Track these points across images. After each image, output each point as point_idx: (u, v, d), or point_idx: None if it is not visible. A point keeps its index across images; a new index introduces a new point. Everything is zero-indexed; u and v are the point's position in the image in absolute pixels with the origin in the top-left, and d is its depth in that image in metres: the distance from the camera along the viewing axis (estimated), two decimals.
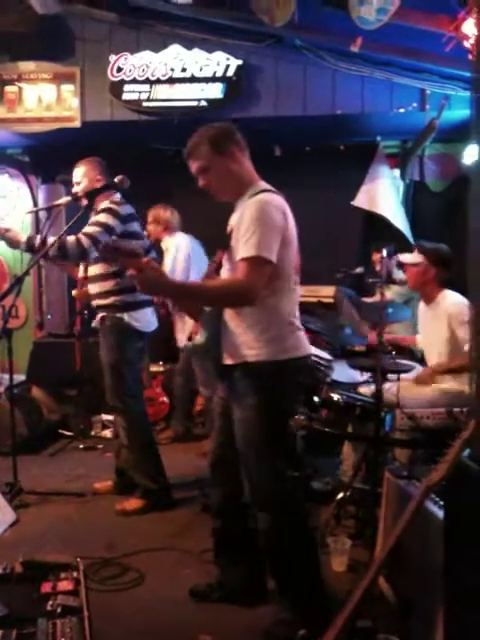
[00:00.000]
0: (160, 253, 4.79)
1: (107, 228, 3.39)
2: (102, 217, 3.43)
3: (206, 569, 2.83)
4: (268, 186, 2.39)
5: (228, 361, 2.33)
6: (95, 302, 3.63)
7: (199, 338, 2.38)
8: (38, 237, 3.35)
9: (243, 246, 2.19)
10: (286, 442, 2.36)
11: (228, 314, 2.34)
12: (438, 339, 3.40)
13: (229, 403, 2.41)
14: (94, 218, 3.46)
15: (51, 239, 3.19)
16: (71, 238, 3.31)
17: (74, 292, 3.82)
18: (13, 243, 3.33)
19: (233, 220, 2.39)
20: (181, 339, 4.81)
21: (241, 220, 2.24)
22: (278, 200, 2.30)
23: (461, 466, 1.76)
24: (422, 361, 3.77)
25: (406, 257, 3.63)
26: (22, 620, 1.83)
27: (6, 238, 3.33)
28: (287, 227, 2.29)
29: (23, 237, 3.33)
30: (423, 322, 3.63)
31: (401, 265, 3.81)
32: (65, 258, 3.37)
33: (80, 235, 3.33)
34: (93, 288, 3.61)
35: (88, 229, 3.37)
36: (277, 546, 2.36)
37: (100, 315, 3.61)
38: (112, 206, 3.48)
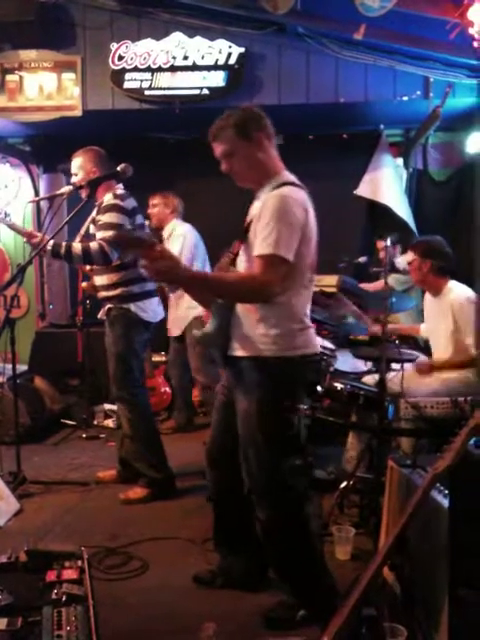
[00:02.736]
0: (160, 240, 4.79)
1: (120, 228, 3.41)
2: (110, 217, 3.42)
3: (209, 558, 2.84)
4: (292, 178, 2.32)
5: (237, 353, 2.30)
6: (102, 293, 3.61)
7: (208, 327, 2.34)
8: (63, 244, 3.38)
9: (261, 242, 2.14)
10: (287, 437, 2.32)
11: (240, 306, 2.30)
12: (444, 332, 3.40)
13: (232, 394, 2.39)
14: (102, 219, 3.44)
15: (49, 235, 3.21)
16: (94, 245, 3.35)
17: (84, 284, 3.80)
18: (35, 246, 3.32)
19: (253, 211, 2.33)
20: (174, 330, 4.81)
21: (261, 213, 2.19)
22: (300, 195, 2.24)
23: (467, 455, 1.75)
24: (426, 350, 3.77)
25: (403, 258, 3.65)
26: (27, 608, 1.83)
27: (32, 244, 3.34)
28: (307, 224, 2.23)
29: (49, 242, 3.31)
30: (429, 313, 3.63)
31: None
32: (89, 264, 3.48)
33: (101, 242, 3.36)
34: (100, 279, 3.60)
35: (106, 235, 3.38)
36: (275, 536, 2.36)
37: (107, 306, 3.60)
38: (117, 202, 3.45)
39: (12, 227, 3.47)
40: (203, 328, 2.38)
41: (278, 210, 2.15)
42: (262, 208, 2.20)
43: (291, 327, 2.25)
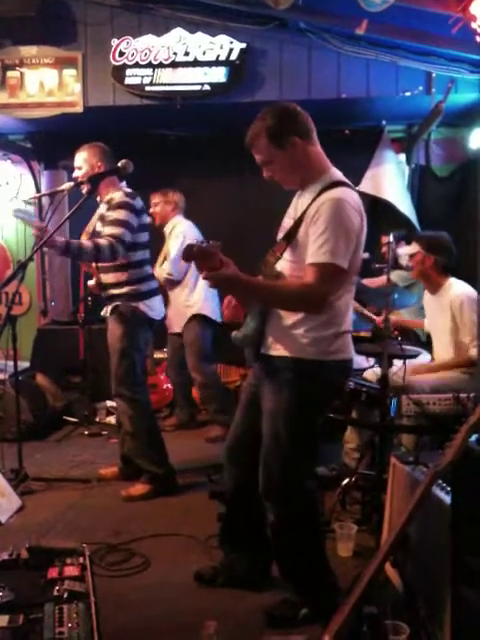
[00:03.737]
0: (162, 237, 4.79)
1: (128, 225, 3.44)
2: (121, 214, 3.45)
3: (211, 555, 2.84)
4: (341, 176, 2.25)
5: (272, 352, 2.28)
6: (109, 291, 3.60)
7: (246, 328, 2.33)
8: (75, 241, 3.37)
9: (317, 250, 2.09)
10: (311, 439, 2.33)
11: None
12: (444, 329, 3.38)
13: (258, 392, 2.38)
14: (112, 215, 3.45)
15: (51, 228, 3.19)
16: (103, 242, 3.36)
17: (91, 283, 3.78)
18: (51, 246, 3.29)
19: (299, 209, 2.25)
20: (174, 327, 4.80)
21: (316, 216, 2.11)
22: (355, 198, 2.18)
23: (468, 451, 1.75)
24: (427, 345, 3.76)
25: (405, 249, 3.62)
26: (29, 605, 1.83)
27: (37, 237, 3.30)
28: (362, 230, 2.19)
29: (61, 240, 3.30)
30: (429, 311, 3.62)
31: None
32: (98, 260, 3.45)
33: (110, 239, 3.37)
34: (107, 278, 3.59)
35: (115, 231, 3.40)
36: (285, 538, 2.36)
37: (114, 304, 3.59)
38: (128, 200, 3.50)
39: (25, 221, 3.45)
40: (241, 329, 2.36)
41: (335, 216, 2.08)
42: (317, 211, 2.12)
43: (330, 331, 2.23)
